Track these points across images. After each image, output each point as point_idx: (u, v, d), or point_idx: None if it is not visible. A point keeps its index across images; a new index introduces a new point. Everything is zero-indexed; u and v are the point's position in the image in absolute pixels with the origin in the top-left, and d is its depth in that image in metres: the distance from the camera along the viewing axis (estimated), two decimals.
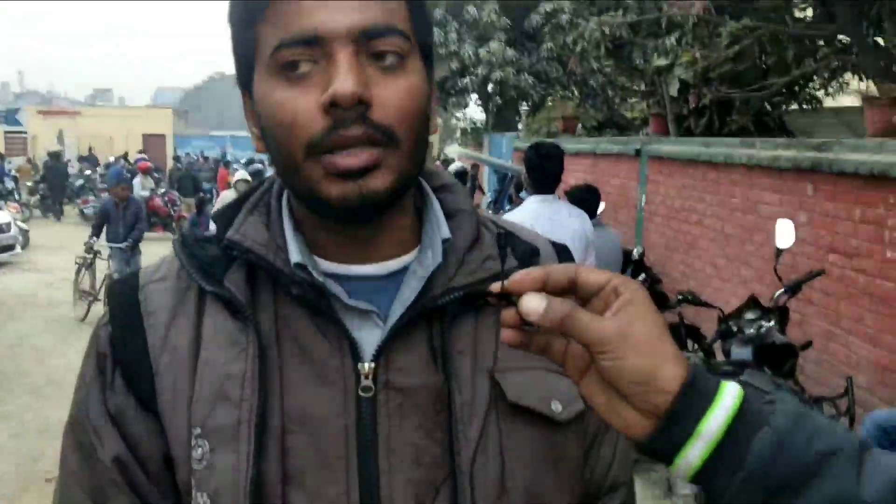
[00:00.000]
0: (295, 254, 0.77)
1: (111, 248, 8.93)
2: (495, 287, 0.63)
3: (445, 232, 0.81)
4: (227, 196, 11.19)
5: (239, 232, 0.79)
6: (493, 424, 0.77)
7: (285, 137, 0.72)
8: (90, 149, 25.74)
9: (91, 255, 9.08)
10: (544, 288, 0.61)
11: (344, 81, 0.68)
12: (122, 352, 0.80)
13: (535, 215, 3.90)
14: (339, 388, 0.76)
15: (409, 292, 0.78)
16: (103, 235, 9.00)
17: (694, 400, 0.58)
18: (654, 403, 0.58)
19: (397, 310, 0.78)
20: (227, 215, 0.82)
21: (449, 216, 0.84)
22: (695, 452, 0.58)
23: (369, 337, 0.78)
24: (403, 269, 0.81)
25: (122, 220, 8.92)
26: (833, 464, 0.56)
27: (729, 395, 0.58)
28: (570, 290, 0.63)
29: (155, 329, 0.80)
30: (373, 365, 0.76)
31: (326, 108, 0.69)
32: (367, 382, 0.76)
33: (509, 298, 0.62)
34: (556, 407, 0.80)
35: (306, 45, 0.70)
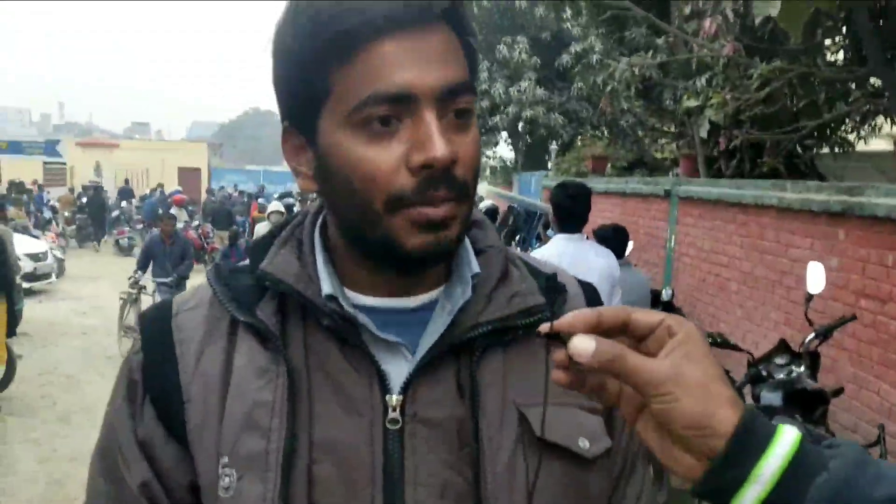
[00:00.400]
0: (326, 285, 0.79)
1: (157, 283, 8.86)
2: (544, 328, 0.63)
3: (475, 267, 0.82)
4: (261, 228, 11.34)
5: (272, 263, 0.81)
6: (521, 459, 0.78)
7: (364, 189, 0.73)
8: (126, 181, 26.28)
9: (136, 291, 8.90)
10: (596, 329, 0.61)
11: (440, 146, 0.70)
12: (153, 380, 0.82)
13: (561, 253, 3.91)
14: (366, 419, 0.77)
15: (437, 326, 0.79)
16: (149, 270, 8.91)
17: (749, 444, 0.56)
18: (709, 447, 0.57)
19: (426, 343, 0.79)
20: (261, 247, 0.84)
21: (478, 252, 0.85)
22: (751, 496, 0.56)
23: (398, 369, 0.79)
24: (433, 303, 0.82)
25: (168, 255, 8.87)
26: None
27: (786, 439, 0.57)
28: (622, 332, 0.62)
29: (186, 357, 0.81)
30: (401, 397, 0.77)
31: (417, 169, 0.71)
32: (395, 415, 0.77)
33: (560, 338, 0.62)
34: (584, 444, 0.80)
35: (395, 101, 0.71)
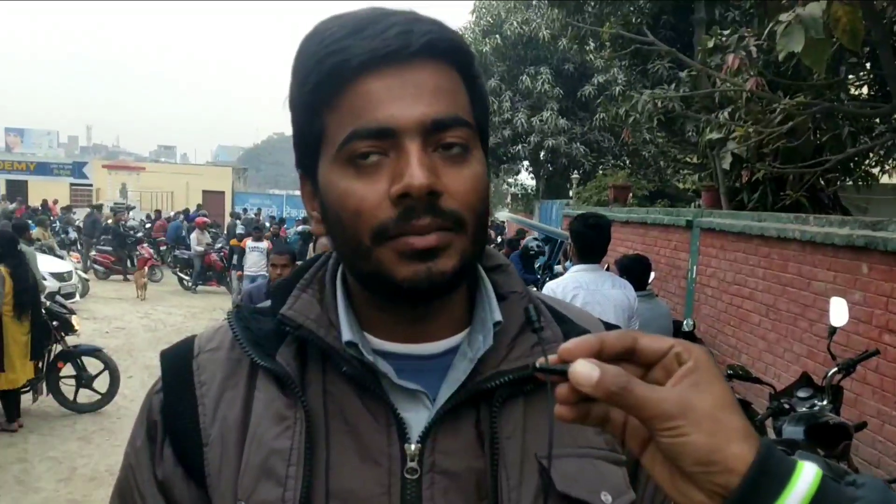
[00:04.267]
0: (346, 331, 0.78)
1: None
2: (540, 361, 0.58)
3: (497, 315, 0.81)
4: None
5: (293, 308, 0.81)
6: None
7: (352, 224, 0.73)
8: (158, 211, 26.60)
9: None
10: (600, 356, 0.56)
11: (416, 174, 0.69)
12: (174, 421, 0.81)
13: (578, 284, 3.92)
14: (384, 468, 0.75)
15: (458, 374, 0.78)
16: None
17: (766, 482, 0.51)
18: (720, 484, 0.52)
19: (445, 392, 0.77)
20: (283, 290, 0.84)
21: (501, 298, 0.84)
22: None
23: (417, 417, 0.77)
24: (454, 350, 0.81)
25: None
26: None
27: (805, 477, 0.52)
28: (628, 359, 0.58)
29: (206, 400, 0.80)
30: (419, 446, 0.76)
31: (396, 199, 0.71)
32: (413, 464, 0.75)
33: (562, 372, 0.57)
34: (607, 498, 0.77)
35: (378, 136, 0.71)
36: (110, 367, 7.13)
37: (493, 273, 0.87)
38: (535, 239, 12.48)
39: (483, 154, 0.78)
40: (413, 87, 0.72)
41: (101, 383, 7.15)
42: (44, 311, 6.95)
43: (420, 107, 0.71)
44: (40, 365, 6.88)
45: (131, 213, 24.52)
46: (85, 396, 7.19)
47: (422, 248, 0.71)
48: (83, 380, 7.13)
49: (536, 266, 10.87)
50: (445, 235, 0.72)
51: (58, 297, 8.23)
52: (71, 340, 7.31)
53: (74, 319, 7.29)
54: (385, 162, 0.72)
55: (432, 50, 0.73)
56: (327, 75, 0.72)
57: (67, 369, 7.12)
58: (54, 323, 7.01)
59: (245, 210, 29.62)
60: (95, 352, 7.24)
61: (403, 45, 0.71)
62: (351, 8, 0.78)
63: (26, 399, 6.91)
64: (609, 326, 0.90)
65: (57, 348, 7.04)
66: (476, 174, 0.75)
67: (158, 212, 25.41)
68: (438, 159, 0.72)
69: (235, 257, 14.82)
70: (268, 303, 0.86)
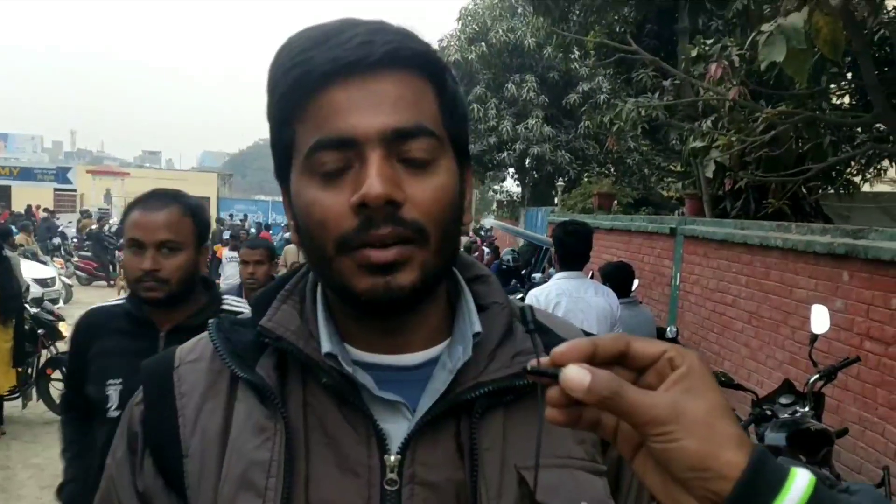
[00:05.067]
0: (325, 343, 0.78)
1: None
2: (531, 364, 0.58)
3: (476, 326, 0.80)
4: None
5: (272, 320, 0.80)
6: None
7: (318, 234, 0.73)
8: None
9: None
10: (592, 360, 0.56)
11: (374, 183, 0.69)
12: (154, 432, 0.81)
13: (560, 291, 3.94)
14: (364, 480, 0.75)
15: (437, 385, 0.78)
16: None
17: (758, 489, 0.51)
18: (713, 490, 0.51)
19: (425, 403, 0.77)
20: (263, 302, 0.83)
21: (481, 308, 0.84)
22: None
23: (397, 429, 0.77)
24: (433, 361, 0.81)
25: None
26: None
27: (799, 483, 0.52)
28: (621, 363, 0.57)
29: (187, 411, 0.81)
30: (399, 457, 0.76)
31: (356, 209, 0.71)
32: (393, 475, 0.75)
33: (554, 375, 0.56)
34: None
35: (340, 146, 0.72)
36: None
37: (473, 283, 0.87)
38: (513, 250, 12.50)
39: (454, 163, 0.78)
40: (374, 96, 0.72)
41: None
42: (30, 319, 6.91)
43: (381, 116, 0.71)
44: (30, 371, 6.84)
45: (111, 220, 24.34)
46: None
47: (380, 261, 0.71)
48: None
49: (522, 273, 10.91)
50: (406, 249, 0.72)
51: (45, 304, 8.15)
52: (61, 346, 7.27)
53: (62, 326, 7.23)
54: (349, 171, 0.72)
55: (395, 59, 0.72)
56: (292, 86, 0.73)
57: (56, 375, 7.07)
58: (41, 331, 6.96)
59: (231, 216, 29.50)
60: None
61: (365, 55, 0.71)
62: (332, 13, 0.80)
63: (11, 406, 6.86)
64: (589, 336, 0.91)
65: (45, 355, 6.99)
66: (442, 184, 0.74)
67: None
68: (402, 169, 0.72)
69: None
70: (249, 314, 0.85)
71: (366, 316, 0.78)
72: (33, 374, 6.96)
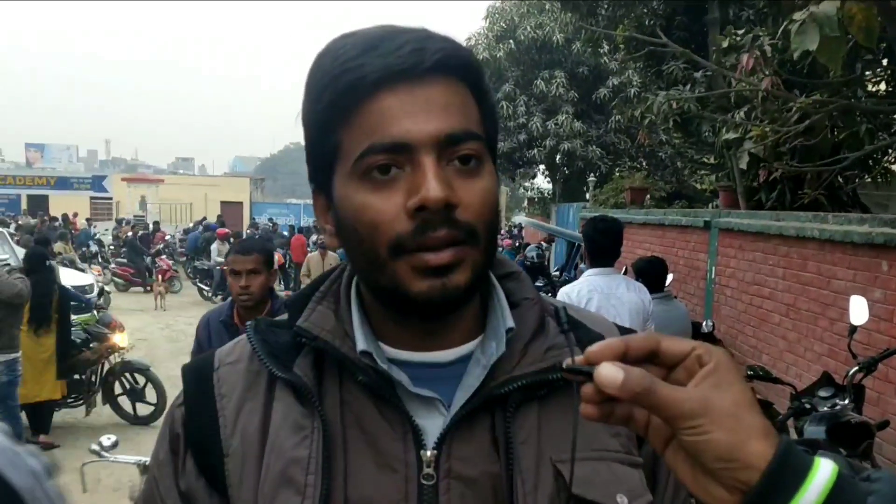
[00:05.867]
0: (361, 341, 0.80)
1: None
2: (567, 361, 0.61)
3: (509, 321, 0.82)
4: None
5: (308, 320, 0.83)
6: None
7: (369, 237, 0.74)
8: (156, 223, 26.85)
9: None
10: (624, 359, 0.59)
11: (433, 187, 0.71)
12: (195, 434, 0.83)
13: (592, 288, 3.91)
14: (401, 475, 0.77)
15: (472, 381, 0.79)
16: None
17: (784, 477, 0.54)
18: (741, 480, 0.54)
19: (460, 398, 0.79)
20: (299, 303, 0.86)
21: (513, 305, 0.85)
22: None
23: (432, 424, 0.78)
24: (467, 357, 0.82)
25: None
26: None
27: (823, 472, 0.54)
28: (651, 361, 0.60)
29: (227, 412, 0.83)
30: (435, 452, 0.77)
31: (412, 212, 0.72)
32: (430, 470, 0.76)
33: (588, 373, 0.59)
34: (623, 500, 0.78)
35: (393, 151, 0.73)
36: (153, 379, 7.29)
37: (505, 281, 0.88)
38: (538, 247, 12.41)
39: (493, 167, 0.80)
40: (426, 102, 0.73)
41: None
42: (84, 332, 7.07)
43: (434, 122, 0.73)
44: (84, 377, 7.01)
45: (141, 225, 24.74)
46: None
47: (437, 264, 0.73)
48: (136, 394, 7.32)
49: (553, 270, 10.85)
50: (460, 250, 0.74)
51: (104, 314, 8.30)
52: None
53: (121, 337, 7.34)
54: (401, 176, 0.74)
55: (444, 66, 0.74)
56: (342, 92, 0.74)
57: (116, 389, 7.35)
58: (93, 344, 7.08)
59: (270, 220, 29.85)
60: (146, 370, 7.36)
61: (417, 62, 0.73)
62: (366, 25, 0.80)
63: (63, 413, 7.13)
64: (624, 331, 0.91)
65: (106, 365, 7.19)
66: (488, 187, 0.77)
67: (157, 223, 25.69)
68: (452, 172, 0.74)
69: None
70: (285, 316, 0.87)
71: (415, 317, 0.79)
72: (97, 382, 7.17)
